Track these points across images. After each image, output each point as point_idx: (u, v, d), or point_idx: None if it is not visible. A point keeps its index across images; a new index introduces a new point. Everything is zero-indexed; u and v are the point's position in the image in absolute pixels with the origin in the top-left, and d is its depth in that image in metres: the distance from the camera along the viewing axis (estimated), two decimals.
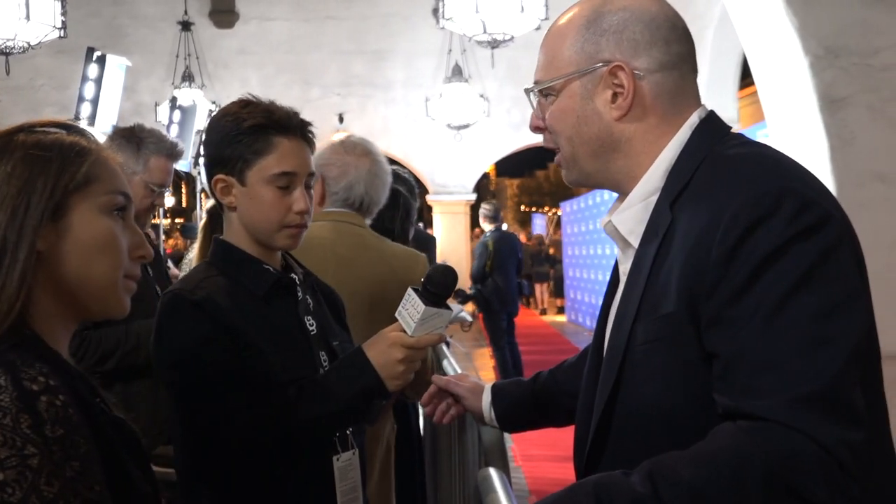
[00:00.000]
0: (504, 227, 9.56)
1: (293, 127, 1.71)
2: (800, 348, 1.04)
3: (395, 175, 4.08)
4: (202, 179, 2.77)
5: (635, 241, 1.26)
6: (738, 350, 1.08)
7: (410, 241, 3.59)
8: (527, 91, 1.37)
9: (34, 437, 0.93)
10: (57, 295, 1.10)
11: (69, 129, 1.17)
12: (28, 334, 1.06)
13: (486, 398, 1.79)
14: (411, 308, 1.59)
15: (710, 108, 1.32)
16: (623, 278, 1.29)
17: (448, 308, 1.62)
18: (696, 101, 1.30)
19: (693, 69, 1.31)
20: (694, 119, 1.28)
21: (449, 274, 1.61)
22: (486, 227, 8.82)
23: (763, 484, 1.00)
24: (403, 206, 3.50)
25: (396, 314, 1.62)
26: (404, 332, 1.60)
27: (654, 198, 1.25)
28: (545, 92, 1.33)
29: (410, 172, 4.94)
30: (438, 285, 1.59)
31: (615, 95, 1.27)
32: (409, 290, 1.61)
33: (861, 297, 1.11)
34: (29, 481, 0.92)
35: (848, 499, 1.01)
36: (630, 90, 1.26)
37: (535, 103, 1.37)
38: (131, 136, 2.73)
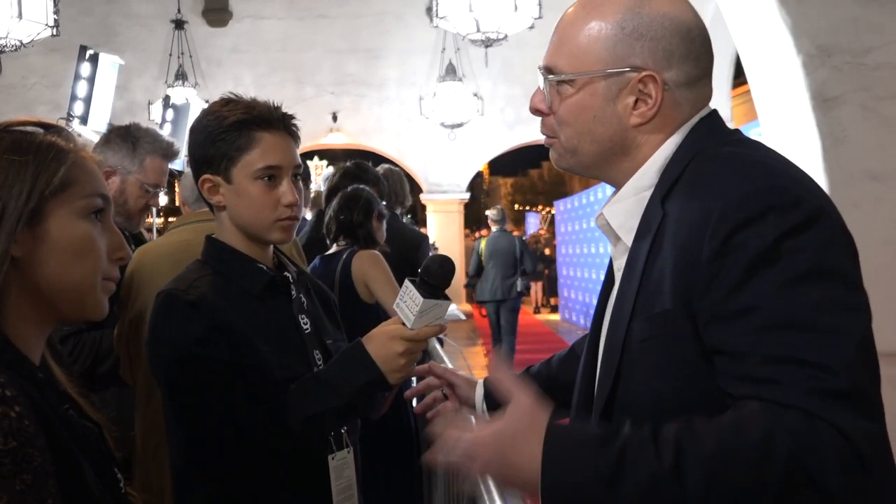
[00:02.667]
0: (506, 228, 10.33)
1: (275, 121, 1.69)
2: (807, 342, 1.04)
3: (358, 172, 4.07)
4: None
5: (625, 236, 1.26)
6: (744, 347, 1.07)
7: (384, 238, 3.60)
8: (540, 69, 1.31)
9: None
10: (33, 299, 1.08)
11: (48, 129, 1.13)
12: None
13: (479, 392, 1.79)
14: (409, 300, 1.57)
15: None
16: (618, 274, 1.29)
17: (447, 298, 1.60)
18: (705, 104, 1.29)
19: (711, 76, 1.29)
20: (695, 119, 1.27)
21: (446, 264, 1.58)
22: (494, 229, 9.97)
23: (784, 466, 1.00)
24: (365, 202, 3.52)
25: (395, 306, 1.61)
26: (403, 324, 1.59)
27: (648, 193, 1.24)
28: (561, 81, 1.28)
29: (402, 171, 4.93)
30: (436, 276, 1.57)
31: (637, 102, 1.24)
32: (407, 282, 1.59)
33: (860, 291, 1.11)
34: None
35: (857, 490, 1.01)
36: (657, 101, 1.23)
37: (543, 85, 1.31)
38: (127, 136, 2.69)
